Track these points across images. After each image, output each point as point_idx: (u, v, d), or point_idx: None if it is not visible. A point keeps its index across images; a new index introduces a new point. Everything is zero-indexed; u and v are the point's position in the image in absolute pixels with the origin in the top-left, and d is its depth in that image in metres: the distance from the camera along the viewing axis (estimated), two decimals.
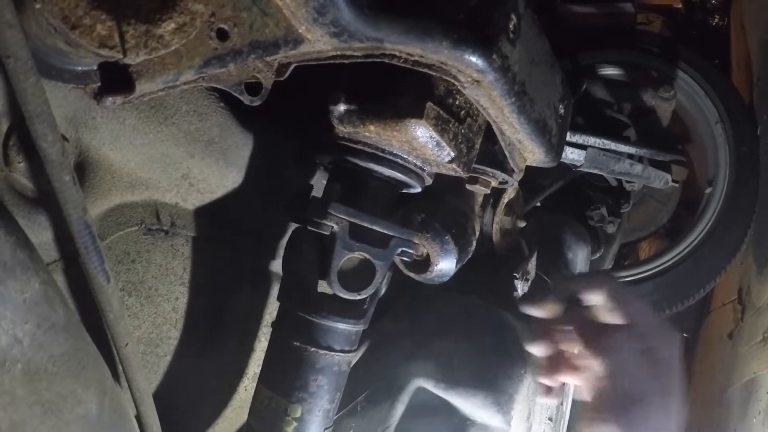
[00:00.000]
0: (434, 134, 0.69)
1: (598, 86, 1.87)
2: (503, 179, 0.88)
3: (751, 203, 2.01)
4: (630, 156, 1.66)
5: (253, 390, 0.88)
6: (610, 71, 2.08)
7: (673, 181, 1.77)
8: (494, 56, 0.61)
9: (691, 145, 2.12)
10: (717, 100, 2.07)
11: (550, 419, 1.26)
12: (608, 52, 2.10)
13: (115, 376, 0.74)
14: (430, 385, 1.01)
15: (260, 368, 0.87)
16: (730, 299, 2.20)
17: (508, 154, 0.82)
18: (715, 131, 2.06)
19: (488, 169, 0.86)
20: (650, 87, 1.85)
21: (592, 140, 1.54)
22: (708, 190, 2.03)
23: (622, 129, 1.77)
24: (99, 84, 0.61)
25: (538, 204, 1.54)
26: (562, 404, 1.33)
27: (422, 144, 0.71)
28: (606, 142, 1.57)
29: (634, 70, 2.08)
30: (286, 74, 0.69)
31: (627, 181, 1.78)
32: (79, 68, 0.61)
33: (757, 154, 2.02)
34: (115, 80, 0.58)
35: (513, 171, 0.87)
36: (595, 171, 1.59)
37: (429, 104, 0.67)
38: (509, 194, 1.11)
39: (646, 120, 1.85)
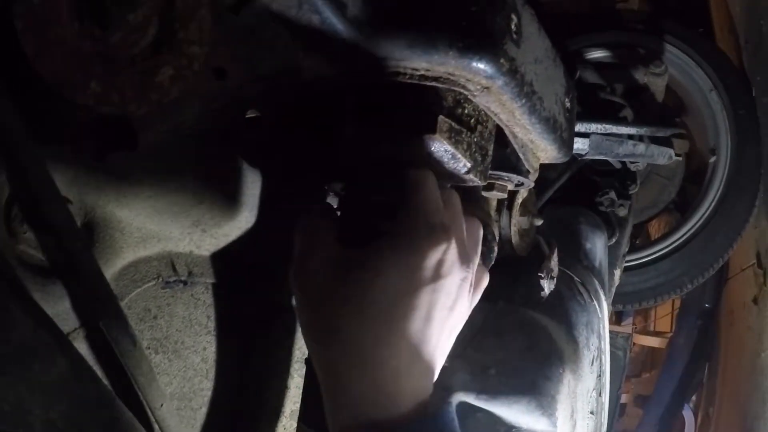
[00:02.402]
0: (449, 147, 0.67)
1: (589, 71, 1.86)
2: (519, 181, 0.86)
3: (756, 165, 2.01)
4: (631, 137, 1.65)
5: (292, 428, 0.86)
6: (597, 54, 2.08)
7: (676, 155, 1.75)
8: (502, 60, 0.60)
9: (688, 117, 2.12)
10: (708, 68, 2.07)
11: (592, 413, 1.25)
12: (593, 36, 2.10)
13: None
14: (471, 398, 0.99)
15: (297, 406, 0.86)
16: (749, 264, 2.19)
17: (522, 156, 0.81)
18: (711, 99, 2.06)
19: (503, 174, 0.84)
20: (640, 65, 1.84)
21: (593, 127, 1.52)
22: (712, 159, 2.02)
23: (619, 110, 1.76)
24: (98, 142, 0.59)
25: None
26: (600, 395, 1.31)
27: (438, 158, 0.69)
28: (606, 126, 1.55)
29: (622, 50, 2.08)
30: (289, 105, 0.67)
31: (631, 162, 1.77)
32: (76, 127, 0.59)
33: (755, 116, 2.02)
34: (114, 136, 0.56)
35: (528, 172, 0.85)
36: (601, 157, 1.57)
37: (441, 117, 0.65)
38: (522, 194, 1.09)
39: (641, 98, 1.84)
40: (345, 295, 0.63)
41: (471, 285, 0.71)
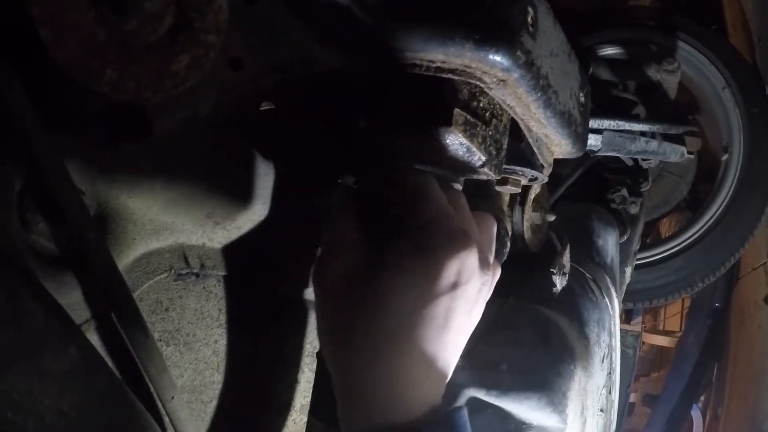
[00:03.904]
0: (464, 140, 0.67)
1: (601, 67, 1.85)
2: (533, 176, 0.86)
3: None
4: (643, 134, 1.64)
5: (302, 422, 0.86)
6: (610, 51, 2.07)
7: (688, 152, 1.74)
8: (518, 53, 0.59)
9: (701, 115, 2.11)
10: (721, 65, 2.06)
11: (602, 410, 1.24)
12: (606, 32, 2.09)
13: (164, 429, 0.72)
14: (481, 394, 0.99)
15: (308, 400, 0.85)
16: (761, 263, 2.18)
17: (536, 150, 0.80)
18: (724, 97, 2.05)
19: (517, 168, 0.84)
20: (653, 62, 1.83)
21: (606, 123, 1.52)
22: (724, 157, 2.01)
23: (631, 107, 1.75)
24: (112, 130, 0.58)
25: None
26: (611, 393, 1.31)
27: (452, 152, 0.68)
28: (619, 123, 1.55)
29: (634, 46, 2.07)
30: (304, 97, 0.67)
31: (643, 159, 1.76)
32: (90, 116, 0.58)
33: None
34: (129, 124, 0.56)
35: (542, 166, 0.85)
36: (613, 154, 1.56)
37: (456, 110, 0.65)
38: (536, 189, 1.08)
39: (653, 95, 1.83)
40: (362, 302, 0.63)
41: (490, 288, 0.71)
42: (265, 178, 0.84)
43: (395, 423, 0.61)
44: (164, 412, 0.72)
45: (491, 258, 0.73)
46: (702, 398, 3.46)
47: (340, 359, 0.65)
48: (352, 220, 0.71)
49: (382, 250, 0.66)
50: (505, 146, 0.76)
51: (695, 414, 3.56)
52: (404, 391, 0.62)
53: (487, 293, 0.72)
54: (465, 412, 0.67)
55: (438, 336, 0.64)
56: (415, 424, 0.61)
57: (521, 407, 0.99)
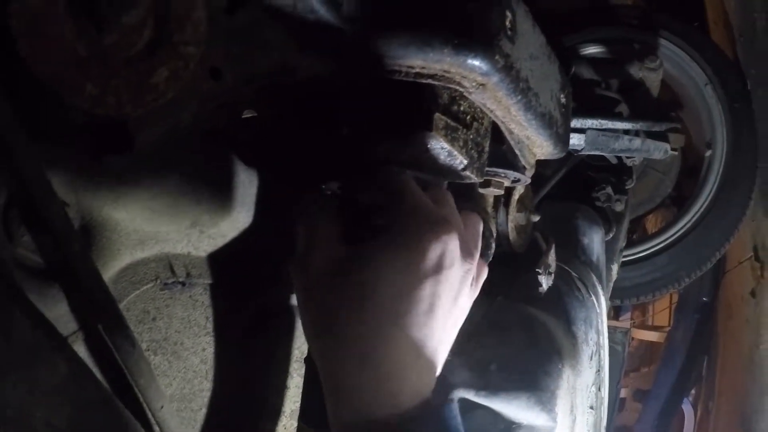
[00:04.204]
0: (445, 144, 0.67)
1: (583, 66, 1.86)
2: (516, 178, 0.86)
3: (752, 159, 2.01)
4: (626, 132, 1.65)
5: (292, 427, 0.86)
6: (592, 50, 2.08)
7: (672, 149, 1.75)
8: (497, 57, 0.60)
9: (683, 111, 2.12)
10: (702, 62, 2.07)
11: (592, 407, 1.25)
12: (587, 32, 2.10)
13: None
14: (470, 395, 0.99)
15: (297, 405, 0.85)
16: (746, 257, 2.20)
17: (518, 152, 0.81)
18: (706, 93, 2.06)
19: (500, 170, 0.84)
20: (635, 60, 1.84)
21: (589, 122, 1.53)
22: (708, 153, 2.03)
23: (614, 106, 1.76)
24: (94, 144, 0.58)
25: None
26: (600, 390, 1.32)
27: (434, 156, 0.69)
28: (602, 122, 1.56)
29: (616, 45, 2.08)
30: (286, 105, 0.67)
31: (627, 157, 1.77)
32: (72, 129, 0.59)
33: (750, 109, 2.02)
34: (111, 137, 0.56)
35: (524, 168, 0.85)
36: (597, 152, 1.58)
37: (437, 115, 0.65)
38: (519, 191, 1.09)
39: (636, 93, 1.84)
40: (346, 292, 0.63)
41: (473, 278, 0.71)
42: (248, 186, 0.84)
43: (383, 416, 0.60)
44: (154, 422, 0.72)
45: (476, 251, 0.73)
46: (693, 392, 3.48)
47: (325, 351, 0.65)
48: (329, 215, 0.71)
49: (363, 241, 0.66)
50: (486, 149, 0.77)
51: (686, 408, 3.58)
52: (392, 383, 0.62)
53: (473, 286, 0.72)
54: (455, 406, 0.67)
55: (424, 321, 0.64)
56: (404, 417, 0.61)
57: (510, 407, 1.00)
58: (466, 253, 0.69)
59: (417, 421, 0.61)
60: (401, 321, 0.62)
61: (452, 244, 0.66)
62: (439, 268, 0.64)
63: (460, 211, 0.74)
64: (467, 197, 0.98)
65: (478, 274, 0.74)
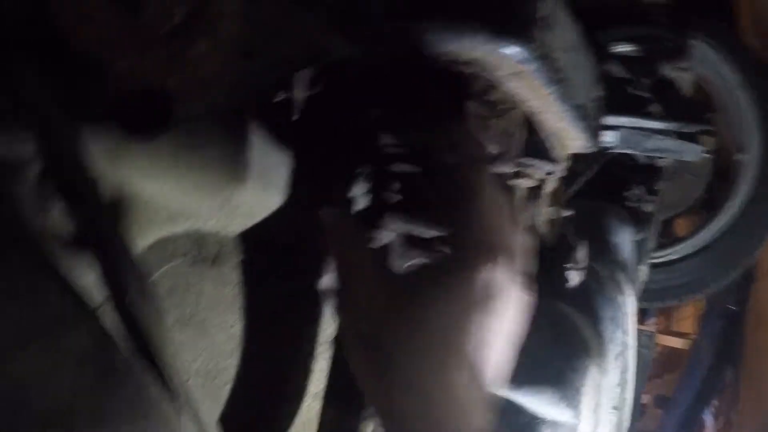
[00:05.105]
0: (477, 133, 0.67)
1: (615, 65, 1.84)
2: (548, 170, 0.86)
3: None
4: (659, 132, 1.63)
5: (315, 409, 0.86)
6: (623, 48, 2.06)
7: (704, 152, 1.73)
8: (534, 44, 0.60)
9: (717, 113, 2.09)
10: (735, 64, 2.04)
11: (616, 408, 1.24)
12: (619, 29, 2.08)
13: (178, 412, 0.73)
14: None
15: (321, 387, 0.86)
16: None
17: (550, 144, 0.81)
18: (739, 95, 2.03)
19: (532, 161, 0.84)
20: (667, 59, 1.82)
21: (621, 120, 1.52)
22: (740, 157, 2.00)
23: (646, 105, 1.74)
24: (131, 116, 0.59)
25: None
26: (624, 391, 1.30)
27: (465, 145, 0.69)
28: (635, 120, 1.54)
29: (648, 43, 2.06)
30: (317, 89, 0.67)
31: (658, 158, 1.75)
32: (108, 102, 0.59)
33: None
34: (147, 110, 0.57)
35: (557, 160, 0.85)
36: (629, 151, 1.56)
37: (469, 103, 0.65)
38: (551, 184, 1.08)
39: (668, 93, 1.82)
40: (398, 323, 0.61)
41: (527, 305, 0.70)
42: (281, 168, 0.85)
43: None
44: (178, 394, 0.72)
45: (525, 272, 0.70)
46: (715, 402, 3.44)
47: (376, 384, 0.64)
48: (359, 235, 0.70)
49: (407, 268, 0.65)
50: (518, 139, 0.77)
51: (707, 418, 3.54)
52: (449, 420, 0.60)
53: (523, 307, 0.70)
54: None
55: (475, 352, 0.61)
56: None
57: (534, 401, 0.99)
58: (518, 278, 0.66)
59: None
60: (453, 352, 0.61)
61: (501, 270, 0.63)
62: (488, 297, 0.62)
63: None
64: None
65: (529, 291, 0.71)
